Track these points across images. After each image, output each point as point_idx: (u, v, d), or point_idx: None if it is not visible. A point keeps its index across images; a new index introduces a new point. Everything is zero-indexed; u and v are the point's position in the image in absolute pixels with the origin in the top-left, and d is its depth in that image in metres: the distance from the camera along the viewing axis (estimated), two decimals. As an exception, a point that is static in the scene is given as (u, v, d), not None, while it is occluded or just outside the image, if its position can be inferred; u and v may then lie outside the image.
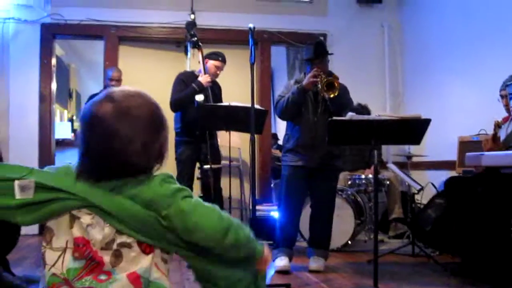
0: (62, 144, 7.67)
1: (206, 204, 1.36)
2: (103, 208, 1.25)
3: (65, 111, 9.79)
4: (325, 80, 3.84)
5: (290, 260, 4.02)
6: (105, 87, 5.63)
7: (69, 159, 5.88)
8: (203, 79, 4.76)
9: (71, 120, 9.50)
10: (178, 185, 1.34)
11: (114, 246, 1.26)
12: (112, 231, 1.26)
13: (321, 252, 4.10)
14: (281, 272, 3.87)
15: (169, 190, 1.30)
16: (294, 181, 4.06)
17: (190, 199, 1.32)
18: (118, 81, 5.52)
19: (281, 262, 3.94)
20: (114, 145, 1.27)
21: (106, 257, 1.25)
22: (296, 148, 4.05)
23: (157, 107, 1.36)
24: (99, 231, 1.25)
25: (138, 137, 1.28)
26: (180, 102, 4.80)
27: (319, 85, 3.87)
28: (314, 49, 4.06)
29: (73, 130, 8.83)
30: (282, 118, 4.22)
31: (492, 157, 2.18)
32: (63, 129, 8.16)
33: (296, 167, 4.04)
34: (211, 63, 4.93)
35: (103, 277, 1.23)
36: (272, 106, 5.94)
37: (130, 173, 1.29)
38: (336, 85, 3.84)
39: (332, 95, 3.84)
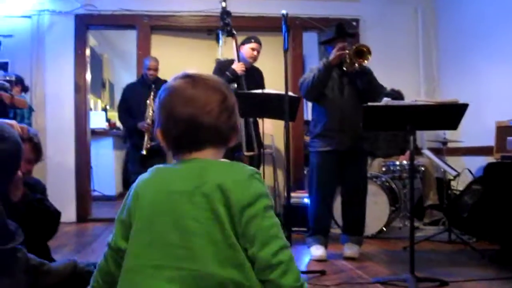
0: (97, 133, 7.80)
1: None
2: None
3: (99, 101, 9.94)
4: (354, 48, 3.80)
5: (325, 248, 4.01)
6: (143, 76, 5.69)
7: (103, 148, 6.01)
8: (237, 66, 4.78)
9: (105, 109, 9.64)
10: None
11: None
12: None
13: (355, 239, 4.07)
14: (317, 260, 3.87)
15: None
16: (326, 168, 4.01)
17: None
18: (156, 70, 5.57)
19: (317, 251, 3.93)
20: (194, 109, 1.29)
21: None
22: (324, 132, 4.00)
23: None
24: None
25: (215, 100, 1.32)
26: None
27: (347, 59, 3.83)
28: (336, 29, 4.01)
29: (107, 120, 8.97)
30: (308, 98, 4.14)
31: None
32: (97, 119, 8.29)
33: (326, 152, 3.99)
34: (246, 47, 4.94)
35: None
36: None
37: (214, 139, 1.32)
38: (365, 50, 3.79)
39: (365, 61, 3.79)
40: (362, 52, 3.80)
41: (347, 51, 3.84)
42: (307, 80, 3.96)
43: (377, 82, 4.03)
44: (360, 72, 3.90)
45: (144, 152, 5.31)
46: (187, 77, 1.33)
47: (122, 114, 5.77)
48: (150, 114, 5.37)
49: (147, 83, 5.57)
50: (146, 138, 5.33)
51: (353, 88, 3.98)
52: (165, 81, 5.55)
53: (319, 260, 3.86)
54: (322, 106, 4.04)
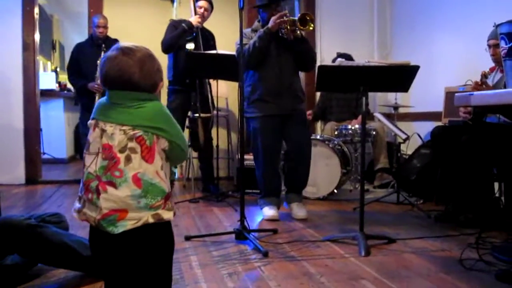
0: (46, 95, 7.59)
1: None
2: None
3: (49, 63, 9.66)
4: (299, 16, 3.80)
5: (278, 208, 4.07)
6: (92, 35, 5.54)
7: (53, 110, 5.85)
8: (193, 19, 4.74)
9: (55, 71, 9.37)
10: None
11: (126, 151, 1.62)
12: (124, 138, 1.62)
13: (300, 198, 4.19)
14: (269, 220, 3.92)
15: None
16: (268, 131, 4.02)
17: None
18: (105, 28, 5.44)
19: (270, 211, 3.98)
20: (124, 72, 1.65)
21: (122, 157, 1.61)
22: (263, 97, 4.00)
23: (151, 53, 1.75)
24: (116, 138, 1.63)
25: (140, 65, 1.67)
26: (171, 41, 4.77)
27: (287, 26, 3.83)
28: None
29: (58, 81, 8.73)
30: (248, 66, 4.01)
31: (481, 97, 2.19)
32: (47, 80, 8.05)
33: (267, 116, 4.00)
34: (197, 5, 4.89)
35: (117, 173, 1.60)
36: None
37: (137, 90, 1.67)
38: (308, 18, 3.80)
39: (310, 28, 3.81)
40: (305, 21, 3.81)
41: (285, 19, 3.82)
42: (245, 48, 3.86)
43: (312, 49, 4.09)
44: (297, 39, 3.91)
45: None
46: (118, 47, 1.69)
47: (72, 74, 5.64)
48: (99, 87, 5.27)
49: (96, 42, 5.44)
50: (96, 98, 5.23)
51: (290, 54, 3.99)
52: (115, 40, 5.49)
53: (272, 220, 3.91)
54: (260, 72, 4.01)
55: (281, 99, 3.98)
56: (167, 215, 1.66)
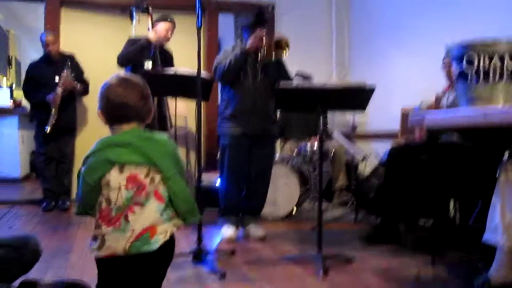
0: (0, 112, 7.38)
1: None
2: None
3: (4, 79, 9.42)
4: (274, 41, 3.85)
5: (237, 228, 4.05)
6: (45, 53, 5.42)
7: (7, 127, 5.66)
8: (150, 34, 4.71)
9: (10, 88, 9.14)
10: None
11: (150, 174, 1.80)
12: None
13: (257, 219, 4.20)
14: (228, 240, 3.88)
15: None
16: (237, 149, 4.03)
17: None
18: (54, 43, 5.32)
19: (227, 231, 3.96)
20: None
21: (147, 180, 1.79)
22: (235, 113, 4.02)
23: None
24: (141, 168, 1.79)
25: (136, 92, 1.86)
26: (127, 56, 4.72)
27: (264, 49, 3.88)
28: (256, 16, 4.03)
29: (12, 98, 8.51)
30: (222, 82, 4.13)
31: (435, 118, 2.23)
32: (1, 97, 7.83)
33: (237, 135, 4.02)
34: (160, 26, 4.85)
35: (143, 194, 1.76)
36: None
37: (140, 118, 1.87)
38: (284, 43, 3.85)
39: (283, 54, 3.87)
40: (281, 45, 3.86)
41: (263, 42, 3.88)
42: (222, 63, 3.97)
43: (287, 73, 4.09)
44: (272, 63, 3.96)
45: (48, 129, 5.09)
46: (118, 76, 1.92)
47: (28, 91, 5.50)
48: (59, 91, 5.15)
49: (52, 60, 5.33)
50: (52, 114, 5.11)
51: (266, 75, 4.03)
52: (70, 56, 5.39)
53: (230, 241, 3.87)
54: (235, 88, 4.05)
55: (252, 119, 3.99)
56: (180, 222, 1.86)
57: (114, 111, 1.82)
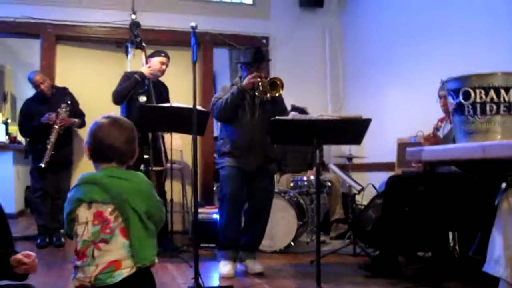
0: (-5, 147, 7.38)
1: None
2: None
3: (-1, 114, 9.43)
4: (268, 80, 3.88)
5: (234, 262, 4.00)
6: (37, 91, 5.40)
7: (2, 163, 5.62)
8: (145, 69, 4.72)
9: (5, 123, 9.13)
10: None
11: (115, 213, 1.87)
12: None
13: (255, 255, 4.15)
14: (225, 277, 3.83)
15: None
16: (235, 180, 4.00)
17: None
18: (43, 83, 5.29)
19: (225, 267, 3.89)
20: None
21: (112, 217, 1.86)
22: (233, 151, 4.02)
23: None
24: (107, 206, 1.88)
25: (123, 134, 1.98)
26: (122, 92, 4.72)
27: (260, 86, 3.89)
28: (253, 54, 4.06)
29: (7, 133, 8.49)
30: (219, 119, 4.13)
31: (432, 152, 2.23)
32: (-4, 132, 7.83)
33: (235, 167, 4.01)
34: (155, 60, 4.88)
35: (108, 231, 1.84)
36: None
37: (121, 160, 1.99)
38: (279, 83, 3.87)
39: (276, 93, 3.87)
40: (276, 85, 3.88)
41: (259, 80, 3.89)
42: (220, 101, 3.98)
43: (284, 109, 4.11)
44: (268, 100, 3.97)
45: (43, 164, 5.05)
46: (109, 117, 2.01)
47: (23, 127, 5.48)
48: (56, 129, 5.13)
49: (45, 97, 5.33)
50: (48, 149, 5.07)
51: (264, 111, 4.02)
52: (64, 88, 5.40)
53: (227, 277, 3.82)
54: (233, 126, 4.05)
55: (250, 156, 3.98)
56: (155, 258, 1.93)
57: (99, 150, 1.95)
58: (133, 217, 1.87)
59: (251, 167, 4.00)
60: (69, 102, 5.28)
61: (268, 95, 3.90)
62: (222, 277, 3.83)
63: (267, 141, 3.92)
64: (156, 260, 1.93)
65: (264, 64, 4.14)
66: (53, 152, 5.08)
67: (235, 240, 4.07)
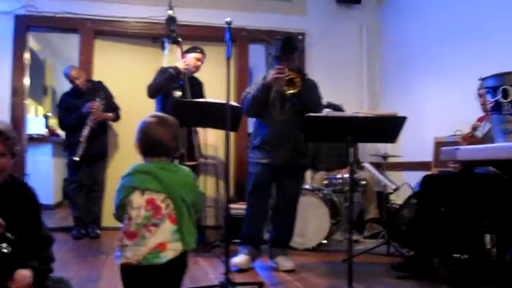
0: (35, 140, 7.54)
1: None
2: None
3: (40, 107, 9.64)
4: (287, 75, 3.80)
5: (253, 258, 4.00)
6: (73, 86, 5.50)
7: (42, 155, 5.74)
8: (180, 64, 4.76)
9: (45, 116, 9.34)
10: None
11: (166, 201, 2.09)
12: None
13: (285, 252, 4.11)
14: (240, 270, 3.80)
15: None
16: (261, 178, 4.00)
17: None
18: (77, 78, 5.40)
19: (238, 258, 3.89)
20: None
21: (163, 205, 2.09)
22: (262, 145, 4.00)
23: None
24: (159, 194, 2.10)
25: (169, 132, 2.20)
26: (156, 86, 4.77)
27: (282, 82, 3.82)
28: (282, 45, 3.99)
29: (47, 126, 8.69)
30: (248, 115, 4.15)
31: (468, 151, 2.17)
32: (36, 125, 8.01)
33: (263, 164, 3.99)
34: (191, 56, 4.92)
35: (159, 216, 2.05)
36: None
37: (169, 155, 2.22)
38: (296, 81, 3.78)
39: (292, 91, 3.80)
40: (292, 82, 3.80)
41: (282, 75, 3.79)
42: (248, 96, 3.98)
43: (314, 100, 4.02)
44: (293, 95, 3.88)
45: (77, 158, 5.15)
46: (156, 116, 2.24)
47: (62, 118, 5.60)
48: (89, 124, 5.22)
49: (81, 91, 5.42)
50: (81, 142, 5.16)
51: (294, 105, 3.97)
52: (99, 82, 5.50)
53: (241, 270, 3.79)
54: (262, 120, 4.03)
55: (279, 150, 3.95)
56: (195, 245, 2.12)
57: (149, 146, 2.15)
58: (181, 206, 2.08)
59: (280, 161, 3.96)
60: (102, 96, 5.37)
61: (289, 92, 3.82)
62: (234, 266, 3.77)
63: (298, 135, 3.87)
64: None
65: (295, 55, 4.03)
66: (85, 146, 5.17)
67: (256, 236, 4.06)
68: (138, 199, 2.08)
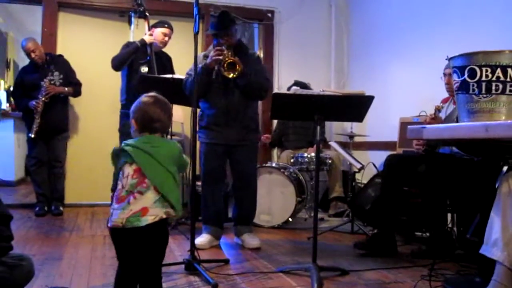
0: (-4, 114, 7.35)
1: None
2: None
3: (2, 81, 9.40)
4: (227, 60, 3.74)
5: (216, 238, 4.01)
6: (29, 58, 5.34)
7: (3, 129, 5.60)
8: (147, 36, 4.71)
9: (7, 91, 9.10)
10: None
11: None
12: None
13: (250, 229, 4.12)
14: (199, 249, 3.78)
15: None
16: (212, 158, 3.98)
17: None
18: (34, 51, 5.24)
19: (200, 239, 3.88)
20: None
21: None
22: (209, 126, 3.96)
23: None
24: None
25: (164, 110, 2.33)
26: (120, 58, 4.70)
27: (224, 63, 3.76)
28: (217, 22, 3.87)
29: (8, 101, 8.47)
30: (192, 95, 4.02)
31: (434, 130, 2.19)
32: (-4, 99, 7.79)
33: (212, 144, 3.96)
34: (158, 31, 4.86)
35: (144, 185, 2.16)
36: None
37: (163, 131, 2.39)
38: (238, 67, 3.74)
39: (231, 76, 3.75)
40: (234, 66, 3.74)
41: (221, 58, 3.73)
42: (190, 79, 3.85)
43: (258, 78, 3.91)
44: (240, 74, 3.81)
45: (32, 135, 5.06)
46: (152, 96, 2.34)
47: (15, 97, 5.50)
48: (41, 99, 5.11)
49: (38, 65, 5.28)
50: (35, 119, 5.06)
51: (238, 85, 3.90)
52: (59, 56, 5.39)
53: (201, 248, 3.74)
54: (207, 101, 3.96)
55: (226, 129, 3.92)
56: (171, 211, 2.19)
57: (148, 123, 2.27)
58: (167, 177, 2.20)
59: (229, 140, 3.94)
60: (56, 71, 5.25)
61: (231, 74, 3.76)
62: (197, 247, 3.77)
63: (246, 112, 3.90)
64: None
65: (233, 29, 3.91)
66: (39, 121, 5.07)
67: (214, 217, 4.04)
68: (127, 169, 2.21)
